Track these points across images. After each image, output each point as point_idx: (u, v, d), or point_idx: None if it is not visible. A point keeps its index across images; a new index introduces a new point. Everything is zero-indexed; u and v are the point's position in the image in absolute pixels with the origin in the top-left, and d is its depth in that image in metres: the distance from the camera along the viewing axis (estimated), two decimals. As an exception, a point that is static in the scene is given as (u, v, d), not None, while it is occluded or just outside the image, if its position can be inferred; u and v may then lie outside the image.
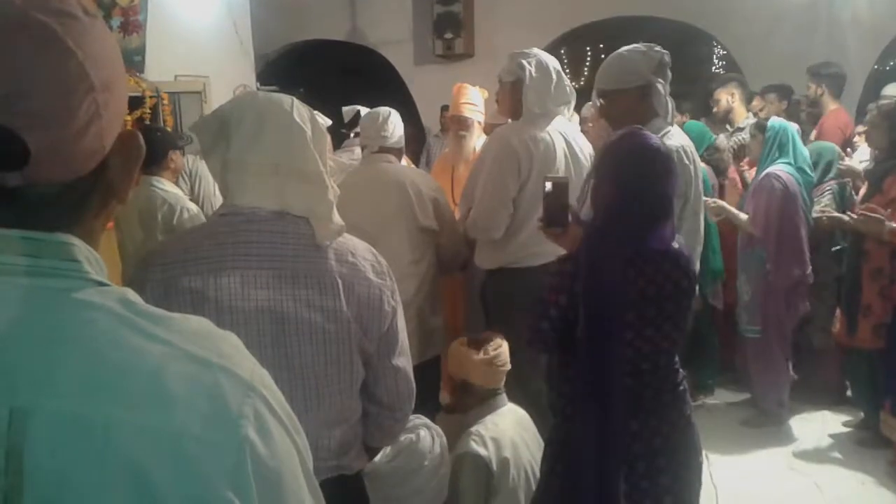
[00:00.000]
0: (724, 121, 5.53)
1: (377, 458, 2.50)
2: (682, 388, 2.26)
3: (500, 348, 2.71)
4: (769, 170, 4.23)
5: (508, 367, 2.74)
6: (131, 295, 0.73)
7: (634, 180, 2.11)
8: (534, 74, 3.24)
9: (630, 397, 2.13)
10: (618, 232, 2.12)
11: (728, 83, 5.56)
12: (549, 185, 2.37)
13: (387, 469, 2.50)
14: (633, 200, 2.11)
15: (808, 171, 4.33)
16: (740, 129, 5.35)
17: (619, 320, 2.08)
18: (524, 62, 3.26)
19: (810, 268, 4.27)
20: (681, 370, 2.27)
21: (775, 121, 4.39)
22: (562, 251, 2.28)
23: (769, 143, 4.27)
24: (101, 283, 0.72)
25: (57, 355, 0.65)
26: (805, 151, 4.35)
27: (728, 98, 5.46)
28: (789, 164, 4.24)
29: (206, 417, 0.67)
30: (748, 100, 5.61)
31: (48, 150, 0.67)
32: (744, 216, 4.28)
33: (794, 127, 4.45)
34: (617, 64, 2.92)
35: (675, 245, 2.19)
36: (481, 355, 2.69)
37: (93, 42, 0.72)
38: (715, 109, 5.56)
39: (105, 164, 0.74)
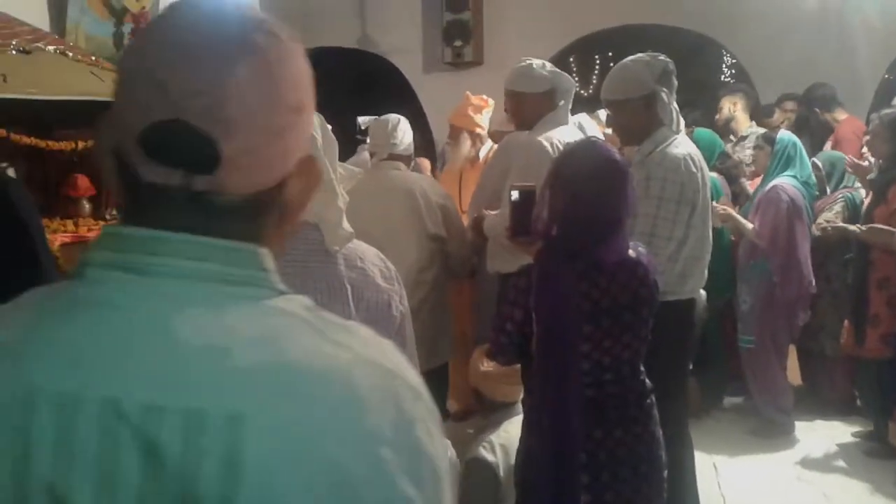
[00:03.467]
0: (724, 129, 5.53)
1: None
2: (648, 401, 2.22)
3: None
4: (775, 182, 4.23)
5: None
6: (309, 302, 0.75)
7: (586, 192, 2.08)
8: (565, 83, 3.26)
9: (593, 408, 2.11)
10: (569, 244, 2.09)
11: (735, 93, 5.59)
12: (515, 194, 2.33)
13: None
14: (584, 212, 2.08)
15: (812, 186, 4.34)
16: (744, 139, 5.37)
17: (573, 333, 2.06)
18: (557, 71, 3.27)
19: (813, 280, 4.27)
20: (647, 381, 2.24)
21: (784, 134, 4.40)
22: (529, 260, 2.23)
23: (777, 155, 4.28)
24: (282, 292, 0.74)
25: (267, 362, 0.67)
26: (809, 166, 4.36)
27: (731, 107, 5.48)
28: (795, 177, 4.24)
29: (392, 422, 0.69)
30: (752, 110, 5.62)
31: (237, 159, 0.70)
32: (749, 226, 4.27)
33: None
34: (621, 74, 2.93)
35: (632, 254, 2.16)
36: (492, 368, 2.69)
37: (292, 65, 0.75)
38: (717, 116, 5.56)
39: (285, 183, 0.77)
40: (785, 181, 4.22)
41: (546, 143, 3.13)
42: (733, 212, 4.37)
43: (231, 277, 0.71)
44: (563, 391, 2.06)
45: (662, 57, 2.91)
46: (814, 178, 4.39)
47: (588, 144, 2.21)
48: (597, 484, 2.11)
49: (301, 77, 0.77)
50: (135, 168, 0.71)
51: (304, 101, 0.77)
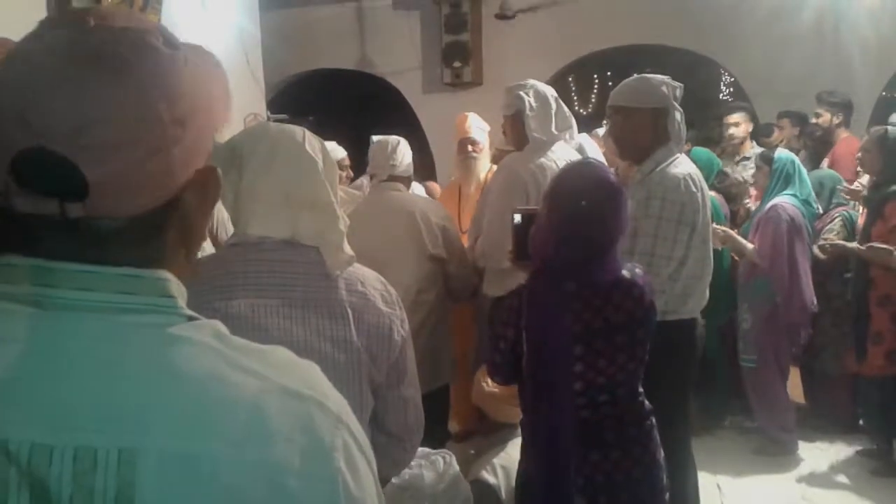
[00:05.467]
0: (732, 150, 5.56)
1: (408, 477, 2.49)
2: (648, 423, 2.21)
3: None
4: (775, 201, 4.23)
5: None
6: (222, 328, 0.73)
7: (580, 213, 2.08)
8: (534, 104, 3.31)
9: (589, 429, 2.10)
10: (563, 264, 2.09)
11: (739, 111, 5.61)
12: (517, 218, 2.35)
13: (427, 481, 2.49)
14: (579, 233, 2.08)
15: (812, 204, 4.35)
16: (747, 159, 5.38)
17: (562, 353, 2.05)
18: (522, 94, 3.32)
19: (815, 299, 4.27)
20: (647, 403, 2.23)
21: (782, 152, 4.41)
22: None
23: (776, 174, 4.28)
24: (191, 318, 0.72)
25: (161, 393, 0.66)
26: (809, 184, 4.37)
27: (746, 128, 5.51)
28: (794, 196, 4.25)
29: (303, 451, 0.68)
30: (757, 129, 5.65)
31: (107, 182, 0.67)
32: (750, 245, 4.27)
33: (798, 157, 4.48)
34: (638, 83, 2.97)
35: (627, 274, 2.16)
36: (497, 389, 2.69)
37: (168, 75, 0.71)
38: (728, 133, 5.58)
39: (179, 198, 0.73)
40: (784, 200, 4.23)
41: (519, 168, 3.24)
42: (733, 233, 4.37)
43: (129, 306, 0.69)
44: (553, 411, 2.05)
45: (676, 82, 2.96)
46: (814, 196, 4.39)
47: (583, 165, 2.22)
48: None
49: (180, 87, 0.71)
50: (10, 199, 0.67)
51: (188, 113, 0.72)
